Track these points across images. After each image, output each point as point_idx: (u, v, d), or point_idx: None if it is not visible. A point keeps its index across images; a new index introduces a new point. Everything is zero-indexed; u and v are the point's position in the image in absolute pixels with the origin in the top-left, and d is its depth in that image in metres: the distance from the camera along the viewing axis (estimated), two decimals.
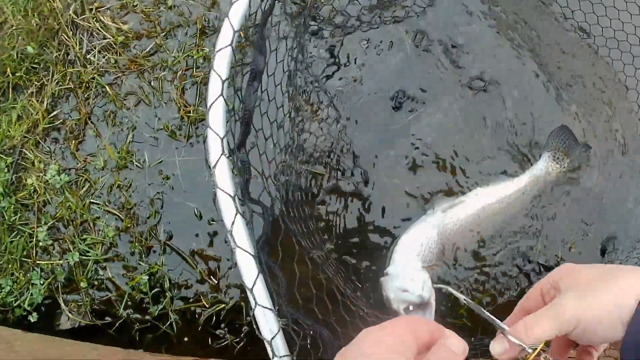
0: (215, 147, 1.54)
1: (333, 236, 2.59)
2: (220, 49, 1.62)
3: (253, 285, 1.46)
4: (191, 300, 2.58)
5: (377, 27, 2.84)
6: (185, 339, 2.56)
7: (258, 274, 1.46)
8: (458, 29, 2.88)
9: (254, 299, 1.45)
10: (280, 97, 2.21)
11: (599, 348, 1.21)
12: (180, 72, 2.77)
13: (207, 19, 2.83)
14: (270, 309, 1.46)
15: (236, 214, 1.50)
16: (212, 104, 1.57)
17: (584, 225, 2.73)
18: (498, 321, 1.18)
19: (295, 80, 2.53)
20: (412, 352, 0.96)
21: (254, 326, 1.46)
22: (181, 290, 2.59)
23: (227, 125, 1.59)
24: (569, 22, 2.90)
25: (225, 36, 1.64)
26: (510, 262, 2.62)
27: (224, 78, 1.59)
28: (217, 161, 1.53)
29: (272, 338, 1.44)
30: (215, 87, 1.59)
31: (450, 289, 1.47)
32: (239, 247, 1.48)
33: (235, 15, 1.66)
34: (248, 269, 1.47)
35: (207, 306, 2.55)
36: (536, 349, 1.08)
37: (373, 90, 2.76)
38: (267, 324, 1.46)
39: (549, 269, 2.62)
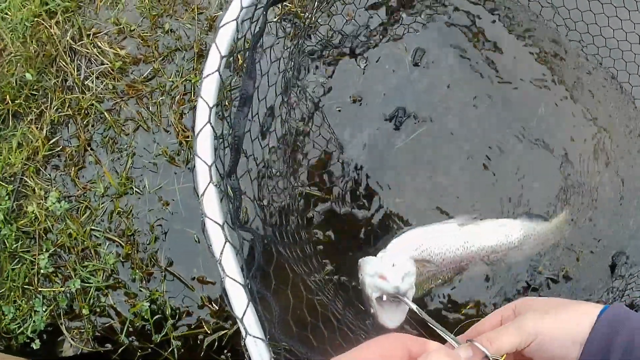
0: (203, 175, 1.53)
1: (332, 259, 2.56)
2: (207, 75, 1.61)
3: (243, 315, 1.44)
4: (193, 326, 2.56)
5: (376, 46, 2.82)
6: None
7: (248, 303, 1.45)
8: (460, 46, 2.85)
9: (245, 328, 1.43)
10: (270, 120, 2.21)
11: None
12: (178, 96, 2.76)
13: (204, 43, 2.83)
14: (261, 339, 1.44)
15: (225, 243, 1.48)
16: (199, 132, 1.56)
17: (593, 241, 2.69)
18: (451, 335, 1.22)
19: (290, 101, 2.53)
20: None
21: (246, 356, 1.44)
22: (183, 317, 2.57)
23: (216, 152, 1.58)
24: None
25: (213, 62, 1.63)
26: (517, 276, 2.59)
27: (211, 104, 1.58)
28: (205, 190, 1.52)
29: None
30: (202, 114, 1.58)
31: (406, 300, 1.45)
32: (228, 276, 1.46)
33: (223, 40, 1.65)
34: (238, 298, 1.45)
35: (209, 332, 2.53)
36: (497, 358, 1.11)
37: (373, 110, 2.74)
38: (259, 354, 1.44)
39: (556, 282, 2.60)
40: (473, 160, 2.71)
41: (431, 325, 1.30)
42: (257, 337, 1.43)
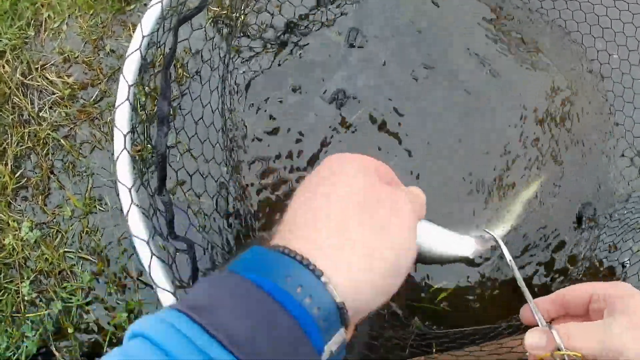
0: (125, 198, 1.65)
1: None
2: (119, 105, 1.73)
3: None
4: None
5: (309, 34, 2.91)
6: None
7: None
8: (395, 21, 2.94)
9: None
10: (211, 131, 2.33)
11: None
12: None
13: (144, 57, 2.93)
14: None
15: (151, 257, 1.61)
16: (117, 159, 1.68)
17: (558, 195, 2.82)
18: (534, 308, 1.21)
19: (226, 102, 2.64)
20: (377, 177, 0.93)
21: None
22: None
23: (137, 174, 1.70)
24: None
25: (122, 92, 1.74)
26: None
27: (124, 132, 1.70)
28: (128, 211, 1.64)
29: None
30: (118, 143, 1.70)
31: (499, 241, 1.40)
32: (159, 287, 1.59)
33: (129, 70, 1.77)
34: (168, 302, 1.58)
35: None
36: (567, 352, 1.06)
37: (313, 96, 2.85)
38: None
39: None
40: (422, 135, 2.82)
41: (520, 286, 1.29)
42: None
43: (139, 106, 1.76)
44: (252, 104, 2.84)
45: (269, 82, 2.88)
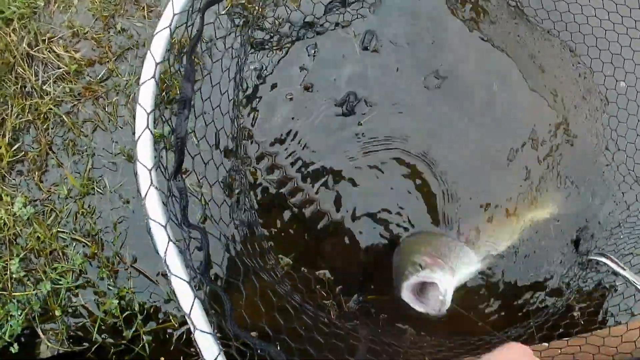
0: (144, 179, 1.58)
1: (289, 251, 2.64)
2: (143, 82, 1.66)
3: (190, 311, 1.50)
4: (161, 321, 2.62)
5: (325, 32, 2.86)
6: (162, 359, 2.61)
7: (194, 299, 1.51)
8: (410, 27, 2.90)
9: (193, 323, 1.49)
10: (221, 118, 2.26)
11: None
12: (133, 94, 2.80)
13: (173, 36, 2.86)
14: (210, 333, 1.50)
15: (168, 242, 1.54)
16: (138, 137, 1.61)
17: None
18: None
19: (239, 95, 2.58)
20: None
21: (197, 350, 1.50)
22: (151, 312, 2.63)
23: (156, 157, 1.63)
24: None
25: (148, 69, 1.67)
26: None
27: (148, 110, 1.63)
28: (147, 192, 1.57)
29: None
30: (141, 121, 1.63)
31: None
32: (173, 274, 1.52)
33: (157, 48, 1.70)
34: (184, 295, 1.51)
35: (177, 326, 2.60)
36: None
37: (324, 96, 2.79)
38: (209, 348, 1.50)
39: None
40: (427, 142, 2.78)
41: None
42: (205, 332, 1.49)
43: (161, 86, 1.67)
44: (262, 97, 2.78)
45: (281, 77, 2.82)
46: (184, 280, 1.52)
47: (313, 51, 2.84)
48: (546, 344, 2.34)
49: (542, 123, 2.87)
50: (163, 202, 1.60)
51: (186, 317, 1.50)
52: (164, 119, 1.76)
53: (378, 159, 2.74)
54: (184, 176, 1.77)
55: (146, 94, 1.65)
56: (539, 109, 2.88)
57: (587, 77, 3.01)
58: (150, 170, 1.58)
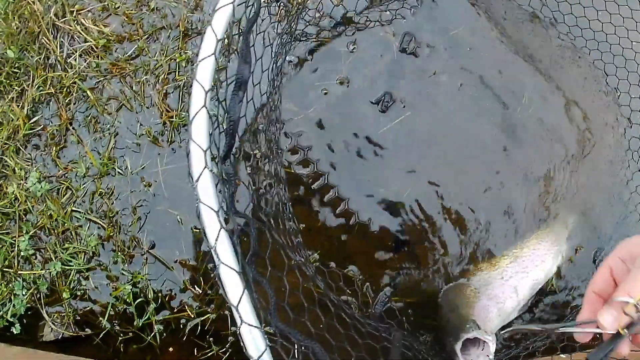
0: (198, 160, 1.49)
1: (317, 246, 2.56)
2: (203, 59, 1.57)
3: (238, 303, 1.41)
4: (176, 310, 2.53)
5: (365, 29, 2.79)
6: (170, 349, 2.52)
7: (243, 291, 1.42)
8: (449, 33, 2.83)
9: (240, 316, 1.40)
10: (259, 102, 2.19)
11: None
12: (162, 75, 2.71)
13: (190, 22, 2.77)
14: (257, 327, 1.41)
15: (220, 229, 1.45)
16: (194, 116, 1.52)
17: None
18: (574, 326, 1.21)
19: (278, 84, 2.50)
20: None
21: (241, 344, 1.42)
22: (165, 300, 2.54)
23: (211, 137, 1.55)
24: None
25: (208, 45, 1.59)
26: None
27: (206, 89, 1.54)
28: (200, 175, 1.48)
29: (259, 357, 1.40)
30: (198, 99, 1.54)
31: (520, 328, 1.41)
32: (223, 263, 1.43)
33: (219, 23, 1.61)
34: (233, 285, 1.43)
35: (192, 316, 2.51)
36: None
37: (359, 93, 2.71)
38: (254, 342, 1.41)
39: None
40: (457, 147, 2.74)
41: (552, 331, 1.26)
42: (252, 326, 1.40)
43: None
44: (296, 89, 2.70)
45: (317, 70, 2.73)
46: (235, 270, 1.42)
47: (352, 47, 2.76)
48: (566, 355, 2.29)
49: (568, 141, 2.81)
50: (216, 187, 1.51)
51: (233, 310, 1.41)
52: (218, 100, 1.66)
53: (408, 164, 2.66)
54: (233, 161, 1.69)
55: (205, 71, 1.56)
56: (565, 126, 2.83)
57: (612, 97, 2.95)
58: (205, 152, 1.49)
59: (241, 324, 1.40)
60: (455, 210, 2.64)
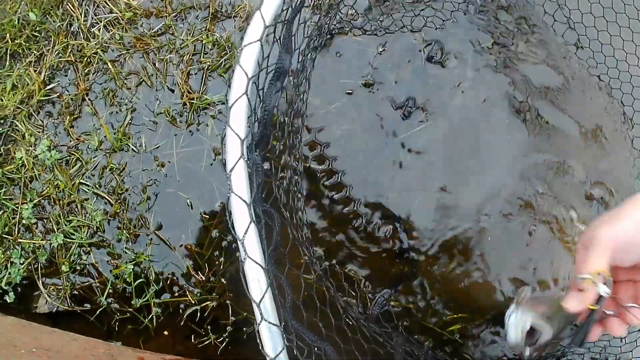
0: (234, 149, 1.45)
1: (324, 243, 2.52)
2: (248, 43, 1.52)
3: (261, 300, 1.37)
4: (176, 294, 2.48)
5: (395, 33, 2.75)
6: (165, 332, 2.47)
7: (267, 288, 1.38)
8: (478, 46, 2.79)
9: (261, 314, 1.36)
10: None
11: None
12: (187, 56, 2.66)
13: (220, 4, 2.72)
14: (277, 326, 1.37)
15: (250, 223, 1.40)
16: (234, 103, 1.47)
17: None
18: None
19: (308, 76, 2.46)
20: None
21: (258, 341, 1.38)
22: (167, 284, 2.49)
23: (248, 127, 1.50)
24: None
25: (255, 30, 1.54)
26: None
27: (250, 75, 1.50)
28: (235, 164, 1.43)
29: (276, 356, 1.36)
30: (239, 85, 1.49)
31: None
32: (250, 258, 1.39)
33: (268, 8, 1.57)
34: (257, 281, 1.38)
35: (193, 302, 2.46)
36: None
37: (382, 96, 2.67)
38: (272, 341, 1.38)
39: None
40: (474, 161, 2.70)
41: None
42: (273, 324, 1.36)
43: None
44: (322, 84, 2.65)
45: (344, 69, 2.69)
46: (261, 266, 1.38)
47: (381, 49, 2.71)
48: None
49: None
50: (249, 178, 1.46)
51: (254, 306, 1.37)
52: (257, 88, 1.61)
53: (423, 172, 2.63)
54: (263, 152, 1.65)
55: (249, 57, 1.51)
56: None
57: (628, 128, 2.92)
58: (242, 140, 1.44)
59: (261, 321, 1.36)
60: (466, 224, 2.60)
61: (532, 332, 2.09)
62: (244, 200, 1.42)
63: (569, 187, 2.69)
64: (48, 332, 2.31)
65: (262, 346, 1.37)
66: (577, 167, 2.73)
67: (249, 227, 1.40)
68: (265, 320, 1.36)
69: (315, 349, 1.52)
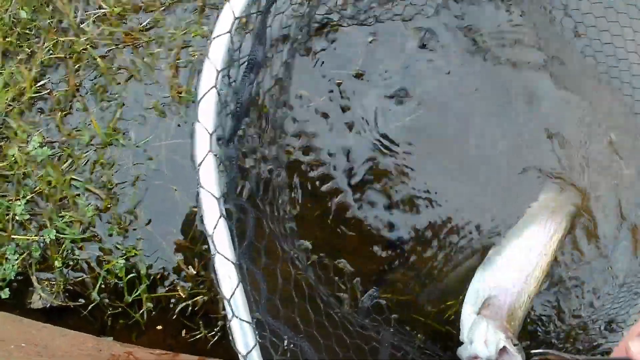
0: (203, 143, 1.44)
1: (311, 235, 2.51)
2: (217, 36, 1.52)
3: (231, 296, 1.36)
4: (167, 289, 2.48)
5: (386, 22, 2.73)
6: (159, 327, 2.48)
7: (238, 284, 1.37)
8: (471, 34, 2.77)
9: (232, 310, 1.36)
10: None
11: None
12: (175, 50, 2.65)
13: None
14: (248, 322, 1.37)
15: (219, 217, 1.40)
16: (203, 96, 1.47)
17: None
18: None
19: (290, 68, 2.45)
20: None
21: (230, 338, 1.38)
22: (157, 278, 2.49)
23: (218, 120, 1.49)
24: None
25: (225, 22, 1.53)
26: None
27: (219, 68, 1.49)
28: (204, 159, 1.43)
29: (248, 353, 1.36)
30: (208, 78, 1.49)
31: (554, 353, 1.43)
32: (219, 253, 1.38)
33: (237, 1, 1.56)
34: (227, 277, 1.38)
35: (184, 296, 2.46)
36: None
37: (374, 86, 2.66)
38: (243, 337, 1.37)
39: None
40: (466, 149, 2.69)
41: None
42: (244, 320, 1.36)
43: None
44: (311, 75, 2.64)
45: (333, 60, 2.68)
46: (231, 261, 1.38)
47: (370, 39, 2.69)
48: None
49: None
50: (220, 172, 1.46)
51: (225, 303, 1.37)
52: (229, 80, 1.61)
53: (414, 162, 2.61)
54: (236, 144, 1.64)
55: (218, 50, 1.50)
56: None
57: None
58: (211, 135, 1.44)
59: (232, 318, 1.36)
60: (457, 213, 2.58)
61: (502, 352, 2.09)
62: (214, 195, 1.42)
63: None
64: (39, 327, 2.32)
65: (234, 343, 1.37)
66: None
67: (218, 221, 1.40)
68: (236, 317, 1.36)
69: (292, 345, 1.51)
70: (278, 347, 1.46)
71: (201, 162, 1.42)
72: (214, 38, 1.51)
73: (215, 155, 1.44)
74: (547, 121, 2.73)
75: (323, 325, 1.91)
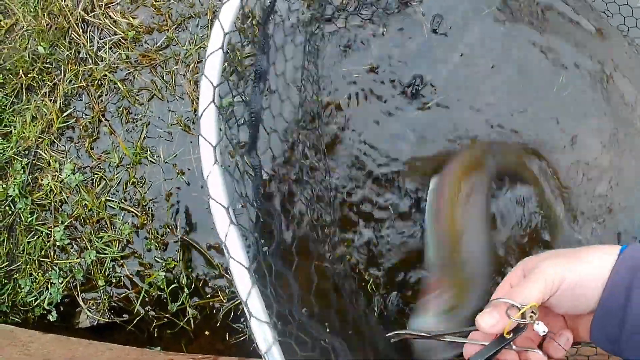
0: (208, 156, 1.51)
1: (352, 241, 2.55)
2: (211, 53, 1.57)
3: (247, 297, 1.42)
4: (209, 295, 2.56)
5: (395, 12, 2.75)
6: (207, 332, 2.56)
7: (252, 287, 1.43)
8: (481, 13, 2.77)
9: (249, 311, 1.42)
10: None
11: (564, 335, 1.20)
12: (192, 64, 2.73)
13: (218, 9, 2.78)
14: (266, 322, 1.42)
15: (229, 225, 1.46)
16: (203, 112, 1.53)
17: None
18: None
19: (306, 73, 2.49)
20: None
21: (253, 338, 1.43)
22: (199, 285, 2.57)
23: (221, 132, 1.55)
24: None
25: (216, 38, 1.59)
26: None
27: (215, 84, 1.55)
28: (210, 171, 1.49)
29: (268, 350, 1.41)
30: (206, 94, 1.55)
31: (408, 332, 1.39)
32: (233, 258, 1.45)
33: (226, 15, 1.61)
34: (242, 280, 1.44)
35: (225, 301, 2.54)
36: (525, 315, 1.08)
37: (389, 78, 2.68)
38: (263, 336, 1.43)
39: None
40: (488, 133, 2.68)
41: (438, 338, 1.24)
42: (261, 320, 1.41)
43: (234, 57, 1.59)
44: (326, 77, 2.68)
45: (346, 55, 2.71)
46: (243, 265, 1.44)
47: (382, 31, 2.72)
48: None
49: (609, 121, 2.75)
50: (235, 180, 1.52)
51: (243, 304, 1.43)
52: (239, 91, 1.67)
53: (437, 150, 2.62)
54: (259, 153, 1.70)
55: (213, 66, 1.56)
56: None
57: None
58: (214, 147, 1.50)
59: (250, 319, 1.41)
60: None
61: None
62: (222, 205, 1.48)
63: None
64: (85, 344, 2.42)
65: (255, 342, 1.43)
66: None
67: (229, 229, 1.46)
68: (254, 317, 1.42)
69: (322, 342, 1.55)
70: (307, 344, 1.51)
71: (208, 175, 1.48)
72: (208, 55, 1.56)
73: (221, 166, 1.50)
74: None
75: (358, 327, 1.94)
